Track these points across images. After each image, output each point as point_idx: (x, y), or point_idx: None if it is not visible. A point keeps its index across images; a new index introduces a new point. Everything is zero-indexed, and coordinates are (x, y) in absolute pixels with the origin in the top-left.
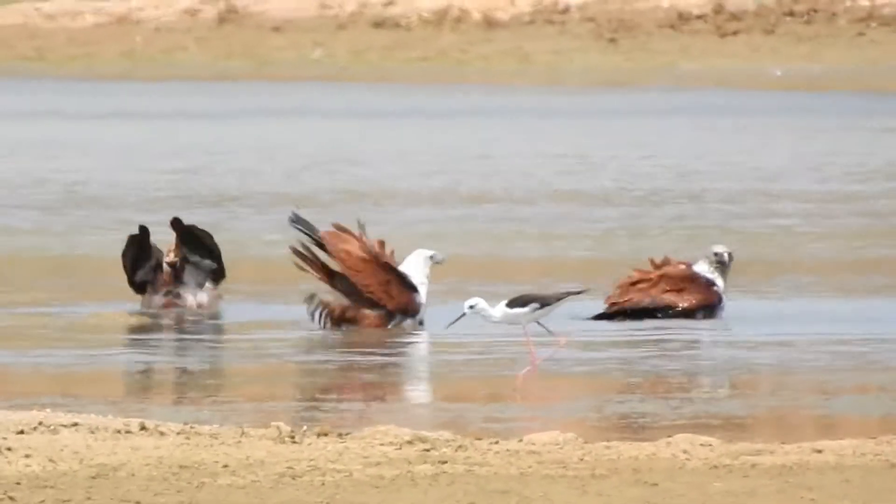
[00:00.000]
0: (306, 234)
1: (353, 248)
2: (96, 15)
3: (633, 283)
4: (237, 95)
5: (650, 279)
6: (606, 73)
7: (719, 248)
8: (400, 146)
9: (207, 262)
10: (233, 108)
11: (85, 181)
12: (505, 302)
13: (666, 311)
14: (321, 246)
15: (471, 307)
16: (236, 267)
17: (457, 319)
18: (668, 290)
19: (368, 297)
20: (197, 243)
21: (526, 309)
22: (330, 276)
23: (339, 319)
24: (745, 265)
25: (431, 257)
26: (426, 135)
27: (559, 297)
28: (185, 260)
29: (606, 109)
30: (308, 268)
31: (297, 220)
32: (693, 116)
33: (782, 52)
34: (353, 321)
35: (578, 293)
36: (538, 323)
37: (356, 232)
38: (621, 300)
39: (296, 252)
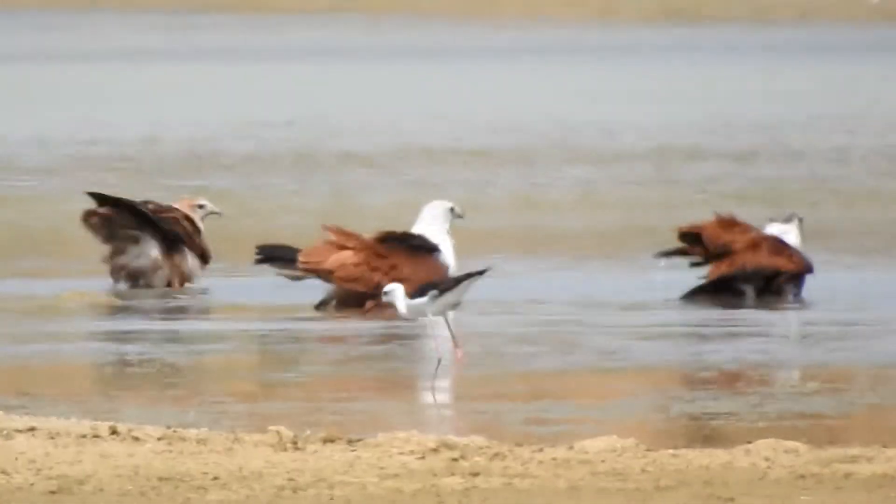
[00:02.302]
0: (283, 266)
1: (341, 257)
2: None
3: (728, 243)
4: (220, 30)
5: (746, 240)
6: (667, 5)
7: (792, 212)
8: (430, 92)
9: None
10: (215, 45)
11: (43, 138)
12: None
13: (769, 279)
14: (308, 271)
15: (385, 293)
16: (228, 240)
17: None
18: (773, 254)
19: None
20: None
21: (425, 298)
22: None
23: (359, 303)
24: (833, 232)
25: (451, 209)
26: (457, 79)
27: (458, 281)
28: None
29: (667, 47)
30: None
31: (264, 256)
32: (771, 54)
33: None
34: (375, 304)
35: (481, 274)
36: (446, 322)
37: (334, 231)
38: (727, 269)
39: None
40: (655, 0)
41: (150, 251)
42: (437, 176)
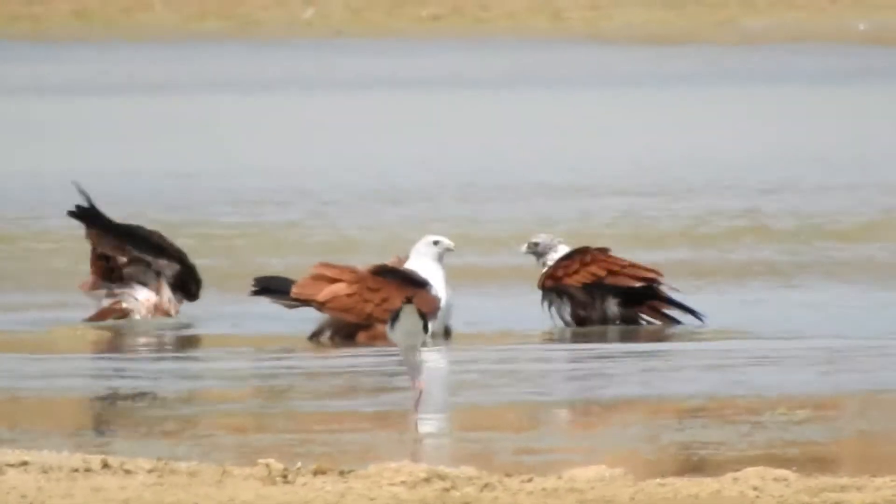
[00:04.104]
0: (278, 298)
1: (333, 289)
2: None
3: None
4: (212, 62)
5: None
6: (654, 33)
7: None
8: (430, 124)
9: (164, 262)
10: (208, 76)
11: (36, 171)
12: None
13: None
14: (301, 302)
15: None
16: (218, 271)
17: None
18: None
19: (375, 321)
20: (138, 240)
21: (389, 329)
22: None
23: (351, 335)
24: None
25: (435, 243)
26: (458, 109)
27: (396, 312)
28: (132, 258)
29: (655, 75)
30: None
31: (260, 288)
32: (758, 81)
33: (866, 3)
34: (366, 335)
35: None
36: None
37: (326, 266)
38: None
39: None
40: (642, 31)
41: (139, 294)
42: (482, 211)
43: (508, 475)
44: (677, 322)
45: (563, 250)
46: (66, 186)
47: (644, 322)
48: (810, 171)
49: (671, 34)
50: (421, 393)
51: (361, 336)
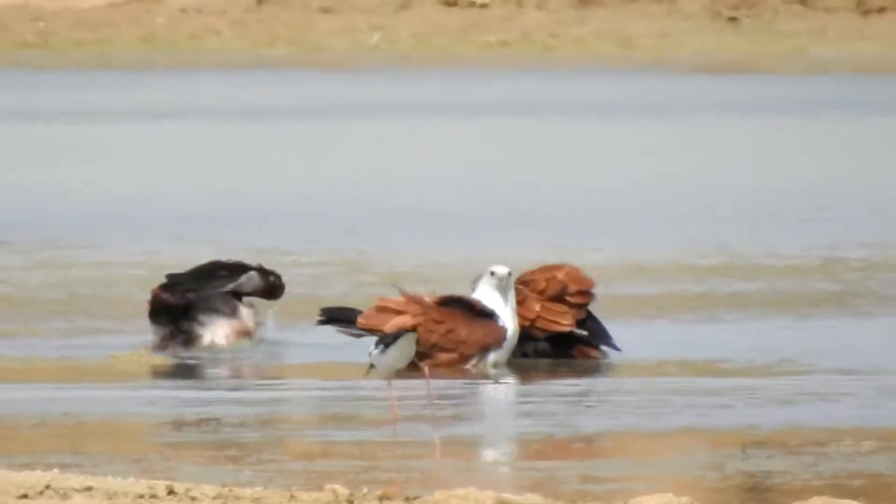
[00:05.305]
0: (344, 328)
1: (399, 321)
2: None
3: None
4: (280, 87)
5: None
6: (724, 62)
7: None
8: (497, 151)
9: (243, 278)
10: (275, 101)
11: (96, 197)
12: None
13: None
14: (366, 330)
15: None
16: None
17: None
18: None
19: (440, 351)
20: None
21: (376, 350)
22: None
23: (415, 364)
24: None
25: (492, 273)
26: (526, 135)
27: (396, 338)
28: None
29: (724, 103)
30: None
31: (326, 318)
32: (829, 111)
33: None
34: (430, 364)
35: (414, 330)
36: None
37: (397, 294)
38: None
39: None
40: (711, 58)
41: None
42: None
43: (574, 503)
44: (605, 357)
45: None
46: (128, 212)
47: (573, 357)
48: (882, 202)
49: (741, 62)
50: (396, 417)
51: (425, 365)
